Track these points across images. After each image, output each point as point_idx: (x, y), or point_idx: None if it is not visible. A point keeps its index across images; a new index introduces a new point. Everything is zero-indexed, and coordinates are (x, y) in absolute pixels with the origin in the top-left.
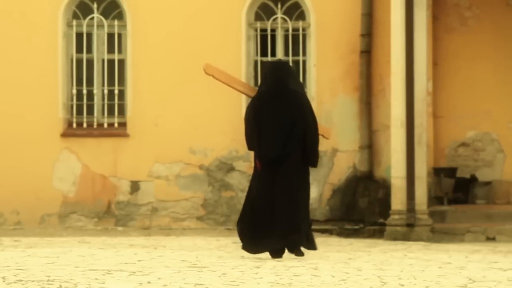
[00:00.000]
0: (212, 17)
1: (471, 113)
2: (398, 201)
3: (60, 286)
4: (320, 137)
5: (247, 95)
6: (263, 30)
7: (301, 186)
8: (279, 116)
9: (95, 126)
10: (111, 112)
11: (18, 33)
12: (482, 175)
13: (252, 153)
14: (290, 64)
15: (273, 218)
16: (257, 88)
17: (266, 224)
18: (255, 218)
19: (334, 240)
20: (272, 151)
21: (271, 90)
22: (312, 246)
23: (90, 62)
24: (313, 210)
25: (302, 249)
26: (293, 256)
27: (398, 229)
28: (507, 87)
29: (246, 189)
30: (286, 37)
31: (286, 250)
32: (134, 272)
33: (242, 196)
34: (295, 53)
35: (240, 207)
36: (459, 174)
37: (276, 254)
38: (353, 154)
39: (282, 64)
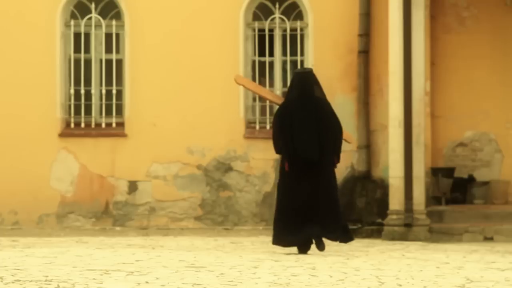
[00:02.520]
0: (210, 17)
1: (469, 113)
2: (396, 201)
3: (58, 286)
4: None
5: (274, 103)
6: (261, 30)
7: (334, 185)
8: (309, 121)
9: (93, 126)
10: (109, 112)
11: (16, 33)
12: (480, 175)
13: (252, 153)
14: (309, 68)
15: (308, 214)
16: (283, 97)
17: (301, 218)
18: (290, 213)
19: None
20: (308, 154)
21: (298, 98)
22: (350, 237)
23: (88, 62)
24: None
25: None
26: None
27: (396, 229)
28: (505, 87)
29: (244, 189)
30: (284, 37)
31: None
32: (132, 272)
33: (240, 196)
34: (293, 53)
35: (237, 207)
36: (457, 174)
37: (304, 248)
38: (351, 154)
39: (307, 73)
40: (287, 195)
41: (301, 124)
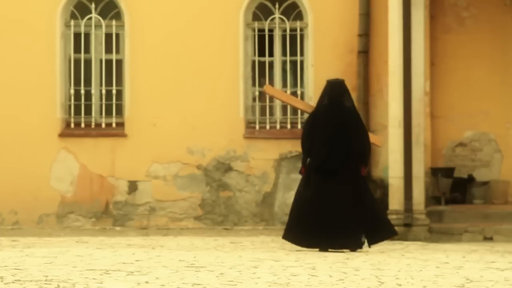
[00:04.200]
0: (210, 17)
1: (469, 113)
2: (395, 201)
3: (58, 286)
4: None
5: (305, 111)
6: (261, 30)
7: (364, 190)
8: (335, 130)
9: (93, 126)
10: (109, 112)
11: (16, 33)
12: (480, 175)
13: (251, 153)
14: (341, 79)
15: (327, 219)
16: (314, 105)
17: (315, 222)
18: (305, 215)
19: None
20: (333, 162)
21: (327, 107)
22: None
23: (88, 62)
24: None
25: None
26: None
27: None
28: (505, 87)
29: (244, 189)
30: (283, 37)
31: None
32: (132, 272)
33: (239, 196)
34: (293, 53)
35: (237, 207)
36: (456, 174)
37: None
38: None
39: (338, 83)
40: (305, 197)
41: (328, 132)
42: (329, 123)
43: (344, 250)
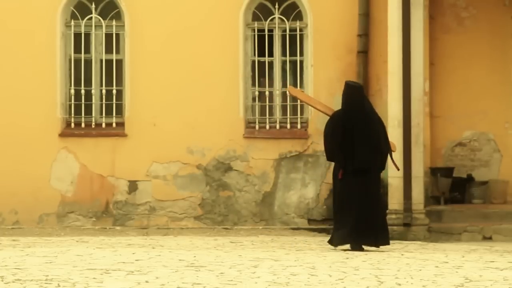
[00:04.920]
0: (210, 17)
1: (468, 113)
2: (395, 200)
3: (58, 285)
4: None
5: (325, 113)
6: (261, 31)
7: (377, 190)
8: (362, 131)
9: (93, 126)
10: (109, 112)
11: (16, 33)
12: (479, 175)
13: (251, 153)
14: (359, 83)
15: (361, 216)
16: (334, 108)
17: (354, 221)
18: (344, 215)
19: None
20: (361, 163)
21: (348, 108)
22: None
23: (88, 62)
24: (311, 210)
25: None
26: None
27: (395, 229)
28: (504, 87)
29: (244, 188)
30: (283, 38)
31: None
32: (132, 272)
33: (239, 196)
34: (292, 53)
35: (237, 206)
36: (455, 173)
37: (359, 246)
38: None
39: (357, 87)
40: (341, 200)
41: (352, 133)
42: (351, 125)
43: (374, 247)
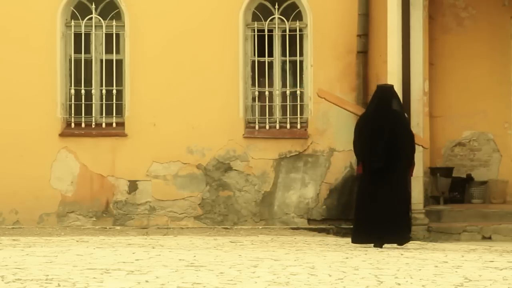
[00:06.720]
0: (209, 17)
1: (467, 113)
2: None
3: (59, 285)
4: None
5: (356, 114)
6: (260, 31)
7: (402, 189)
8: (382, 132)
9: (93, 126)
10: (109, 112)
11: (16, 33)
12: (478, 175)
13: (251, 153)
14: (390, 84)
15: (383, 214)
16: (364, 108)
17: (377, 218)
18: (366, 214)
19: (331, 239)
20: (377, 162)
21: (375, 110)
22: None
23: (88, 62)
24: (310, 210)
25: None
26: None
27: None
28: (503, 87)
29: (243, 188)
30: (283, 38)
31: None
32: (132, 271)
33: (239, 196)
34: (292, 53)
35: (237, 206)
36: (455, 173)
37: (380, 243)
38: (350, 154)
39: (387, 88)
40: (363, 198)
41: (375, 133)
42: (375, 126)
43: (394, 244)
